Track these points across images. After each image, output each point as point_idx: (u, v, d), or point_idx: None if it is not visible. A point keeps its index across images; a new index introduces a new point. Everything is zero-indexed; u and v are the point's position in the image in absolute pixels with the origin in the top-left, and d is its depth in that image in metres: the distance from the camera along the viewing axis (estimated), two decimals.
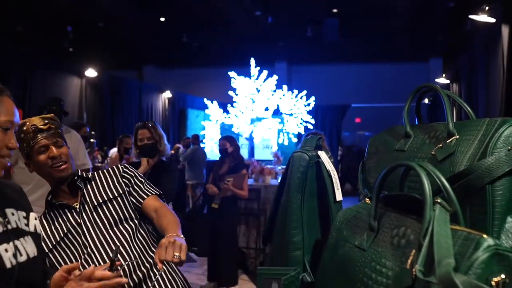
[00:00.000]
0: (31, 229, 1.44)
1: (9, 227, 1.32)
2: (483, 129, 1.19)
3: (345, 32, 13.83)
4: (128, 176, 1.96)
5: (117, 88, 10.68)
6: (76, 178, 1.87)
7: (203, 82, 15.91)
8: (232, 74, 10.22)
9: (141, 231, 1.89)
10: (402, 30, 13.42)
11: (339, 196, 1.33)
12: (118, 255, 1.67)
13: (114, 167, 2.01)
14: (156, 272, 1.81)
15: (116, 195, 1.89)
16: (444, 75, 9.80)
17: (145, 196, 1.93)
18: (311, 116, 10.24)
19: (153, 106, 11.92)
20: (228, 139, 5.08)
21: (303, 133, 10.48)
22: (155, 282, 1.79)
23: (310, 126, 10.16)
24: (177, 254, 1.44)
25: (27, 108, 7.91)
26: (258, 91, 10.17)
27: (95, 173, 1.98)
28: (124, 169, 2.00)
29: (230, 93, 10.40)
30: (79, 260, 1.76)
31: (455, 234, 0.94)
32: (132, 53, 14.90)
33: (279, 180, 4.92)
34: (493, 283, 0.83)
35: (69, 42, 12.89)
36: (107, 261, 1.72)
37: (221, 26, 13.30)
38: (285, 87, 10.37)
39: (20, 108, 7.62)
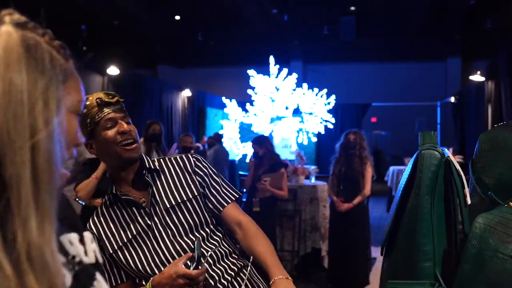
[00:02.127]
0: (91, 259, 1.07)
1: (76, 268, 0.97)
2: None
3: (362, 31, 13.67)
4: (202, 174, 1.71)
5: (138, 86, 10.60)
6: (144, 171, 1.64)
7: (220, 81, 15.79)
8: (251, 72, 10.08)
9: (215, 237, 1.69)
10: (419, 29, 13.25)
11: (469, 199, 1.18)
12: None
13: (184, 157, 1.74)
14: (241, 282, 1.63)
15: (191, 196, 1.65)
16: (479, 72, 9.55)
17: (225, 204, 1.71)
18: (331, 115, 10.10)
19: (173, 105, 11.81)
20: (257, 142, 4.93)
21: (322, 132, 10.35)
22: None
23: (330, 126, 10.02)
24: None
25: None
26: (277, 89, 10.04)
27: (162, 161, 1.72)
28: (197, 163, 1.73)
29: (249, 91, 10.26)
30: (149, 266, 1.60)
31: None
32: (146, 52, 14.82)
33: (312, 180, 4.79)
34: None
35: (83, 41, 12.82)
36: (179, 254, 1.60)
37: (236, 25, 13.21)
38: (305, 85, 10.23)
39: None
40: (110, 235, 1.64)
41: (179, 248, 1.60)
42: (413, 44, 14.01)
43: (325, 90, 11.37)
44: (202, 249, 1.57)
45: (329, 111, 10.42)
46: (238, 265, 1.67)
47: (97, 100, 1.57)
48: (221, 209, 1.70)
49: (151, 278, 1.53)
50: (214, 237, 1.68)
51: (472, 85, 10.62)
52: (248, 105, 10.47)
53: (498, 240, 1.04)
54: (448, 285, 1.11)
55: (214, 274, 1.60)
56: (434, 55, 14.29)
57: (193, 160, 1.73)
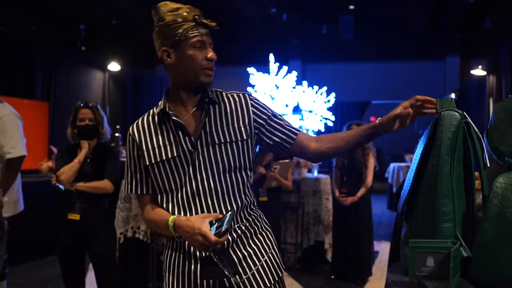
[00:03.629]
0: None
1: None
2: None
3: (361, 29, 13.71)
4: (263, 118, 1.69)
5: (138, 82, 10.62)
6: (206, 99, 1.64)
7: (219, 79, 15.66)
8: (251, 70, 10.09)
9: (249, 184, 1.70)
10: (418, 27, 13.30)
11: (488, 162, 1.18)
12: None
13: (241, 95, 1.72)
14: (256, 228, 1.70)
15: (239, 138, 1.64)
16: (480, 67, 9.64)
17: (297, 132, 1.70)
18: (331, 113, 10.11)
19: None
20: None
21: (322, 130, 10.35)
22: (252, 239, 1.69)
23: (330, 123, 10.03)
24: None
25: (52, 102, 7.83)
26: (277, 87, 10.04)
27: (219, 94, 1.71)
28: (254, 103, 1.71)
29: (249, 89, 10.26)
30: (181, 190, 1.61)
31: None
32: (145, 52, 14.77)
33: (315, 173, 4.78)
34: None
35: (81, 41, 12.81)
36: (212, 201, 1.60)
37: (235, 24, 13.21)
38: (305, 83, 10.23)
39: (46, 101, 7.57)
40: (150, 148, 1.64)
41: (212, 184, 1.60)
42: (412, 42, 14.06)
43: (324, 88, 11.37)
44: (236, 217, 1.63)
45: (329, 109, 10.43)
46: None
47: (195, 16, 1.59)
48: (294, 137, 1.69)
49: (176, 217, 1.56)
50: (249, 183, 1.70)
51: (473, 80, 10.70)
52: None
53: None
54: (467, 246, 1.11)
55: (246, 253, 1.65)
56: (433, 54, 14.34)
57: (250, 101, 1.72)
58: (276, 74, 10.16)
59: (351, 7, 12.56)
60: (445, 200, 1.13)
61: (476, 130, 1.19)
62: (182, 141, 1.62)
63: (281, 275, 1.72)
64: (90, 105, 3.16)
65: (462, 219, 1.17)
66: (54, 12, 11.05)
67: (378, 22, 13.33)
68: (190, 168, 1.61)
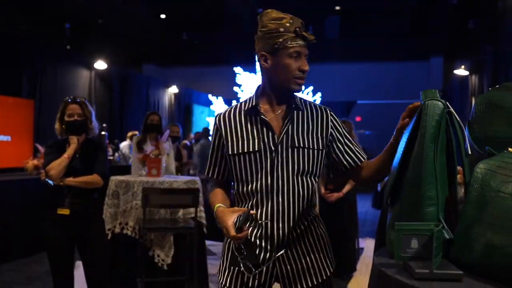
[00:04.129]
0: None
1: None
2: None
3: (346, 30, 13.82)
4: (338, 135, 1.81)
5: (125, 81, 10.59)
6: (293, 105, 1.75)
7: (206, 79, 15.80)
8: (237, 70, 10.14)
9: (314, 191, 1.81)
10: (403, 29, 13.45)
11: (469, 149, 1.24)
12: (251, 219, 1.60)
13: (323, 109, 1.82)
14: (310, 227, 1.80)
15: (316, 147, 1.76)
16: (463, 67, 9.83)
17: (362, 159, 1.81)
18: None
19: (159, 101, 11.81)
20: None
21: None
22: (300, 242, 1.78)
23: None
24: None
25: (38, 100, 7.78)
26: None
27: (305, 103, 1.82)
28: (333, 119, 1.82)
29: (235, 89, 10.31)
30: (252, 180, 1.73)
31: None
32: (131, 52, 14.76)
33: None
34: None
35: (67, 40, 12.73)
36: (282, 199, 1.71)
37: (222, 24, 13.23)
38: None
39: (32, 98, 7.52)
40: (234, 139, 1.75)
41: (286, 183, 1.72)
42: (397, 43, 14.21)
43: (311, 88, 11.47)
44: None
45: None
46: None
47: (296, 28, 1.67)
48: (359, 163, 1.80)
49: (218, 206, 1.66)
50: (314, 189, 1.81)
51: (456, 80, 10.89)
52: (234, 103, 10.50)
53: (499, 181, 1.09)
54: (450, 229, 1.16)
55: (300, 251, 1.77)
56: (418, 55, 14.52)
57: (331, 117, 1.83)
58: None
59: (337, 8, 12.68)
60: (429, 186, 1.18)
61: (458, 119, 1.25)
62: (266, 139, 1.73)
63: (329, 274, 1.81)
64: (78, 100, 3.17)
65: (445, 203, 1.22)
66: (40, 11, 10.98)
67: (364, 23, 13.46)
68: (268, 165, 1.72)
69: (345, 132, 1.83)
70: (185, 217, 3.77)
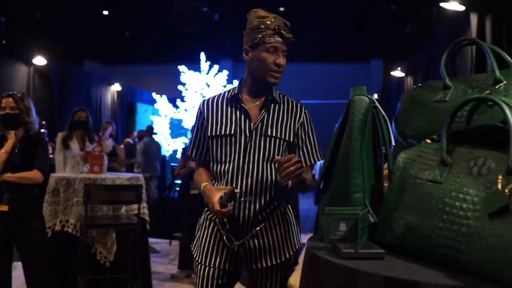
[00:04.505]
0: None
1: None
2: None
3: (291, 31, 14.03)
4: (302, 133, 1.98)
5: (65, 77, 10.28)
6: (269, 97, 1.94)
7: (150, 77, 15.61)
8: (182, 68, 10.11)
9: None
10: (345, 31, 13.85)
11: (393, 141, 1.36)
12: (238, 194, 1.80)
13: (299, 106, 2.01)
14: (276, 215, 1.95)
15: (286, 139, 1.93)
16: (399, 68, 10.31)
17: (307, 163, 1.97)
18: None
19: (102, 99, 11.55)
20: None
21: None
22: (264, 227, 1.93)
23: None
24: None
25: None
26: (208, 86, 10.11)
27: (282, 97, 2.00)
28: (306, 118, 2.00)
29: (180, 87, 10.28)
30: (228, 161, 1.89)
31: None
32: (72, 48, 14.36)
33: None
34: None
35: (3, 34, 12.23)
36: (251, 181, 1.87)
37: (166, 22, 13.12)
38: (236, 82, 10.36)
39: None
40: (214, 122, 1.94)
41: (256, 167, 1.89)
42: (339, 45, 14.62)
43: None
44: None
45: None
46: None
47: (276, 26, 1.84)
48: (303, 165, 1.89)
49: (205, 185, 1.86)
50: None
51: (393, 81, 11.40)
52: (178, 101, 10.47)
53: (417, 169, 1.21)
54: (375, 213, 1.27)
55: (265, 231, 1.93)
56: (359, 57, 14.98)
57: (304, 114, 2.01)
58: (207, 73, 10.26)
59: (281, 9, 12.88)
60: (356, 174, 1.28)
61: (383, 113, 1.36)
62: (242, 125, 1.92)
63: (288, 256, 1.97)
64: (11, 93, 3.12)
65: (371, 190, 1.33)
66: None
67: (307, 25, 13.74)
68: (242, 148, 1.90)
69: (310, 133, 2.00)
70: (128, 213, 3.76)
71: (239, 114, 1.93)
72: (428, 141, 1.30)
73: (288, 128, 1.94)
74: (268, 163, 1.90)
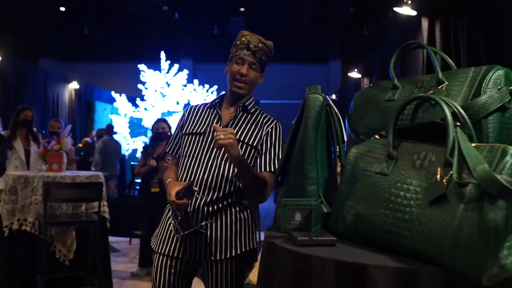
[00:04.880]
0: None
1: None
2: (470, 75, 1.37)
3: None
4: (268, 141, 2.09)
5: (20, 75, 10.01)
6: (249, 103, 2.12)
7: (108, 75, 15.38)
8: (141, 67, 10.04)
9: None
10: (304, 33, 14.05)
11: (345, 137, 1.45)
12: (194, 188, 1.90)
13: (270, 119, 2.14)
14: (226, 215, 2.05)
15: (250, 143, 2.06)
16: (356, 70, 10.59)
17: (263, 170, 2.06)
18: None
19: (59, 97, 11.31)
20: (167, 122, 5.05)
21: None
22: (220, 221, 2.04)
23: None
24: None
25: None
26: (168, 85, 10.09)
27: (256, 110, 2.16)
28: (275, 129, 2.12)
29: (139, 86, 10.20)
30: (194, 157, 2.04)
31: (478, 148, 1.10)
32: (26, 45, 13.99)
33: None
34: None
35: None
36: (212, 176, 2.00)
37: (125, 20, 12.98)
38: (196, 81, 10.38)
39: None
40: (190, 122, 2.13)
41: (218, 164, 2.02)
42: (299, 46, 14.80)
43: (215, 87, 11.64)
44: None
45: None
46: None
47: (246, 42, 2.05)
48: (259, 170, 2.07)
49: (170, 181, 1.99)
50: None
51: (351, 82, 11.71)
52: (138, 100, 10.39)
53: (366, 162, 1.31)
54: (328, 204, 1.36)
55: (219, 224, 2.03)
56: (318, 58, 15.22)
57: (274, 125, 2.13)
58: (167, 72, 10.22)
59: (242, 9, 12.97)
60: (310, 167, 1.37)
61: (336, 111, 1.45)
62: (215, 123, 2.07)
63: (240, 252, 2.05)
64: None
65: (325, 183, 1.42)
66: None
67: (268, 25, 13.87)
68: (206, 147, 2.05)
69: (276, 143, 2.11)
70: (88, 212, 3.75)
71: (212, 117, 2.11)
72: (377, 136, 1.40)
73: (253, 135, 2.07)
74: (228, 163, 2.02)
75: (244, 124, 2.09)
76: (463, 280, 1.03)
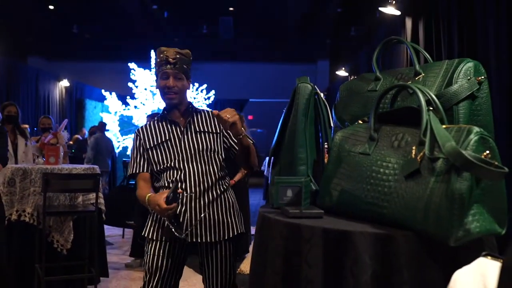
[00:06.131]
0: None
1: None
2: (444, 67, 1.53)
3: (240, 31, 14.31)
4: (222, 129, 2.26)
5: (11, 72, 10.04)
6: (190, 107, 2.27)
7: (99, 74, 15.42)
8: (131, 65, 10.13)
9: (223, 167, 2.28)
10: (293, 33, 14.22)
11: (332, 123, 1.60)
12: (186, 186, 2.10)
13: (209, 111, 2.32)
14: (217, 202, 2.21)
15: (214, 131, 2.24)
16: (343, 69, 10.78)
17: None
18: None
19: (50, 95, 11.35)
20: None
21: None
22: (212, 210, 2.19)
23: None
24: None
25: None
26: None
27: (203, 110, 2.33)
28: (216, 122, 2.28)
29: (130, 84, 10.29)
30: (171, 162, 2.17)
31: (448, 129, 1.25)
32: (15, 43, 13.97)
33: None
34: (483, 156, 1.15)
35: None
36: (192, 169, 2.15)
37: (115, 19, 13.03)
38: None
39: None
40: (150, 137, 2.25)
41: (195, 159, 2.18)
42: (288, 46, 14.99)
43: (205, 86, 11.76)
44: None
45: (209, 106, 10.81)
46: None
47: (165, 57, 2.17)
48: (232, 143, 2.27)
49: (149, 195, 2.09)
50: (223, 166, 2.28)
51: (339, 81, 11.91)
52: (128, 98, 10.47)
53: (351, 144, 1.46)
54: (316, 182, 1.51)
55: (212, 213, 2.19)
56: (306, 57, 15.40)
57: (212, 114, 2.26)
58: None
59: (231, 9, 13.09)
60: (300, 149, 1.52)
61: (324, 100, 1.60)
62: (174, 130, 2.24)
63: (231, 235, 2.22)
64: None
65: (313, 164, 1.57)
66: None
67: (257, 25, 14.03)
68: (177, 146, 2.20)
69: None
70: (84, 203, 3.86)
71: (169, 125, 2.26)
72: (360, 122, 1.55)
73: (214, 125, 2.26)
74: (206, 153, 2.20)
75: (200, 120, 2.27)
76: (433, 242, 1.19)
